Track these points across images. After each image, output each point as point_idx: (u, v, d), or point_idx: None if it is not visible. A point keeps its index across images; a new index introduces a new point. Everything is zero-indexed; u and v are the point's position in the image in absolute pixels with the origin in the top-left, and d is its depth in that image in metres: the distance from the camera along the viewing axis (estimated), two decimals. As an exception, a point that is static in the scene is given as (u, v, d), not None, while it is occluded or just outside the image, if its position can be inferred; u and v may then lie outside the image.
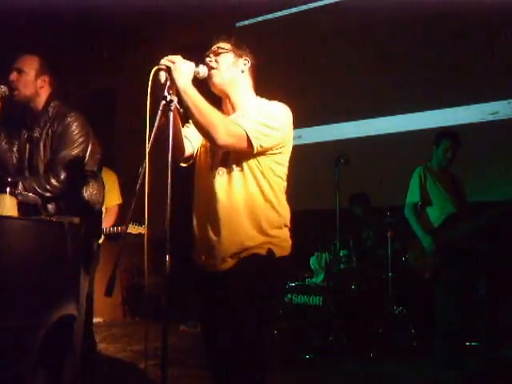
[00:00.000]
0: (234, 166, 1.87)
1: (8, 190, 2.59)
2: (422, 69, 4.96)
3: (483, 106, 4.71)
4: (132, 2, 5.56)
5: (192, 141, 2.01)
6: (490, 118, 4.68)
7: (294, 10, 5.80)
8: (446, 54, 4.86)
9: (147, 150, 1.64)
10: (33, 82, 2.45)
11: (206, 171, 1.95)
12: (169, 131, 1.69)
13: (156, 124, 1.67)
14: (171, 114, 1.71)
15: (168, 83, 1.72)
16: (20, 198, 2.67)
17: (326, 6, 5.60)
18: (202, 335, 2.03)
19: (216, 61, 1.91)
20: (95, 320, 4.55)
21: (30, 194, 2.73)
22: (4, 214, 2.47)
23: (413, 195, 3.68)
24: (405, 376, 3.45)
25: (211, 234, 1.88)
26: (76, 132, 2.42)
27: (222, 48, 1.93)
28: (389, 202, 4.66)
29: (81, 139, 2.44)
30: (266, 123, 1.83)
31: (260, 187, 1.86)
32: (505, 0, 4.47)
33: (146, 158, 1.64)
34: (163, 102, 1.70)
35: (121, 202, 3.97)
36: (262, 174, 1.87)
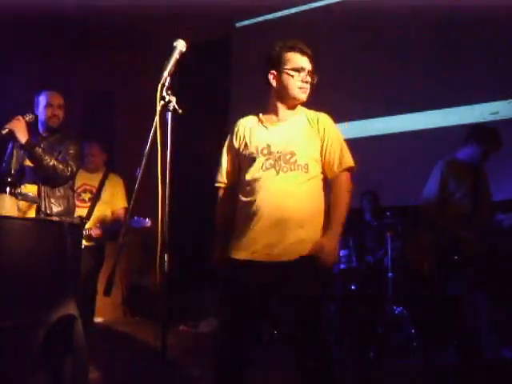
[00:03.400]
0: None
1: (8, 189, 2.61)
2: (422, 69, 4.95)
3: (483, 106, 4.71)
4: (132, 3, 5.56)
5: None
6: (490, 118, 4.67)
7: (293, 10, 5.80)
8: (447, 54, 4.86)
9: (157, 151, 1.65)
10: (63, 114, 3.05)
11: None
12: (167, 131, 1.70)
13: (154, 124, 1.68)
14: (169, 114, 1.72)
15: (167, 84, 1.74)
16: (20, 197, 2.69)
17: (326, 5, 5.60)
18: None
19: None
20: (95, 320, 4.56)
21: (30, 194, 2.77)
22: (4, 214, 2.48)
23: (430, 189, 3.43)
24: (405, 376, 3.45)
25: None
26: (73, 146, 3.04)
27: None
28: (389, 202, 4.66)
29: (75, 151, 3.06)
30: None
31: None
32: (505, 0, 4.48)
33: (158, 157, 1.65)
34: (161, 102, 1.70)
35: (126, 205, 3.99)
36: None
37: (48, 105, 2.98)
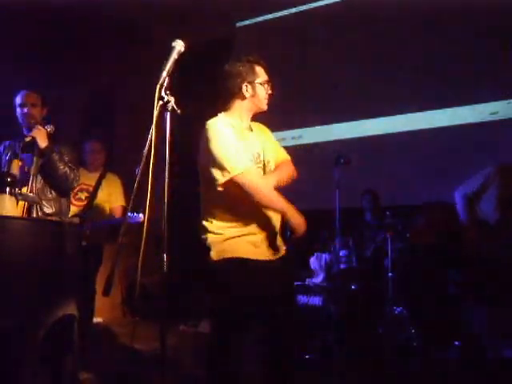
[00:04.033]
0: None
1: (8, 189, 2.61)
2: (422, 69, 4.96)
3: (483, 106, 4.71)
4: (132, 2, 5.57)
5: None
6: (490, 118, 4.67)
7: (293, 10, 5.80)
8: (446, 54, 4.86)
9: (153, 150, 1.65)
10: (41, 112, 3.04)
11: None
12: (165, 131, 1.71)
13: (153, 124, 1.69)
14: (168, 114, 1.73)
15: (165, 84, 1.75)
16: (20, 197, 2.69)
17: (325, 5, 5.60)
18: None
19: None
20: (95, 320, 4.56)
21: (30, 194, 2.78)
22: (4, 214, 2.48)
23: (469, 186, 3.46)
24: (405, 376, 3.45)
25: None
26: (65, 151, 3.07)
27: None
28: (389, 202, 4.66)
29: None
30: None
31: None
32: (505, 0, 4.48)
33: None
34: (160, 102, 1.71)
35: (124, 204, 3.99)
36: None
37: (20, 104, 3.02)
